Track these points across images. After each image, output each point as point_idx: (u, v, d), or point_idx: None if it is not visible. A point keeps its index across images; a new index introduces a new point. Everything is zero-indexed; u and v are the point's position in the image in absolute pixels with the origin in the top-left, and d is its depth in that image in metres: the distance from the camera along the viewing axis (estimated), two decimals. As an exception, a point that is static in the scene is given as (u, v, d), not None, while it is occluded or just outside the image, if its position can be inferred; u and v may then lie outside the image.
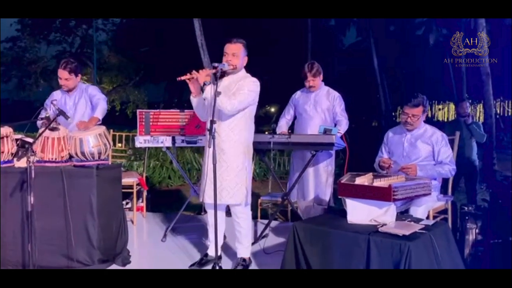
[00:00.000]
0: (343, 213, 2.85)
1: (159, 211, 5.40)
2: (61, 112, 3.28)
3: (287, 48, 17.66)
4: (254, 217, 3.64)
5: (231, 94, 3.20)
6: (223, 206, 3.45)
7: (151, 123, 4.14)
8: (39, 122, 3.61)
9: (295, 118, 4.42)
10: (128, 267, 3.51)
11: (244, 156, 3.28)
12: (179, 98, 23.61)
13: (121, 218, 3.68)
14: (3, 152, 3.35)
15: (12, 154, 3.41)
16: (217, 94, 3.07)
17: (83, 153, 3.44)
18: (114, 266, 3.47)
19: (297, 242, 2.79)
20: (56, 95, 4.20)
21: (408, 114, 3.43)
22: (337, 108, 4.19)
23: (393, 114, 18.96)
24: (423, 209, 3.16)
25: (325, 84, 4.31)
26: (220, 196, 3.23)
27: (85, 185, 3.33)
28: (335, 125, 4.15)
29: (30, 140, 3.50)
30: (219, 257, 3.41)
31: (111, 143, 3.95)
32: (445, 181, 3.73)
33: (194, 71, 3.16)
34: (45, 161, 3.39)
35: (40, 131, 3.42)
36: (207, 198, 3.28)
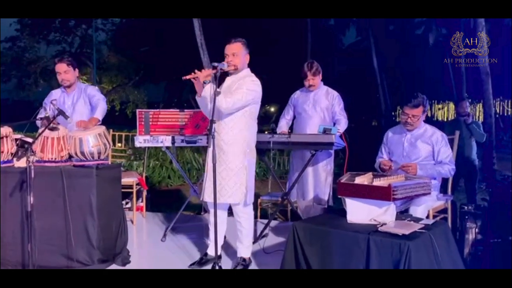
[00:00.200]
0: (343, 213, 2.85)
1: (159, 211, 5.40)
2: (61, 112, 3.28)
3: (287, 48, 17.65)
4: (254, 217, 3.64)
5: (229, 93, 3.20)
6: (224, 206, 3.45)
7: (150, 123, 4.14)
8: (38, 122, 3.61)
9: (294, 117, 4.43)
10: (128, 267, 3.52)
11: (244, 155, 3.28)
12: (179, 98, 23.59)
13: (121, 218, 3.68)
14: (2, 152, 3.35)
15: (11, 154, 3.41)
16: (216, 93, 3.07)
17: (82, 153, 3.44)
18: (114, 266, 3.47)
19: (296, 241, 2.79)
20: (55, 94, 4.20)
21: (408, 115, 3.43)
22: (336, 107, 4.20)
23: (393, 113, 18.95)
24: (422, 209, 3.16)
25: (325, 84, 4.32)
26: (220, 195, 3.24)
27: (85, 185, 3.33)
28: (334, 124, 4.15)
29: (29, 140, 3.50)
30: (219, 257, 3.41)
31: (111, 143, 3.95)
32: (444, 181, 3.73)
33: (196, 71, 3.17)
34: (45, 161, 3.39)
35: (40, 131, 3.42)
36: (207, 197, 3.29)
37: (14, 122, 3.49)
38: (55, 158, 3.42)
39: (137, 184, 4.80)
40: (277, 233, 4.41)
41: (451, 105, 17.58)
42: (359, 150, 4.72)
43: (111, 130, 5.34)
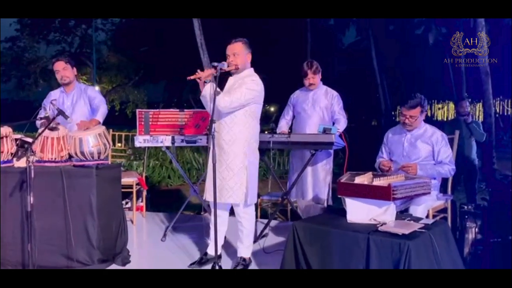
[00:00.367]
0: (343, 213, 2.85)
1: (158, 211, 5.40)
2: (61, 112, 3.28)
3: (287, 48, 17.66)
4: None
5: (229, 92, 3.21)
6: (226, 206, 3.46)
7: (150, 123, 4.14)
8: (38, 122, 3.61)
9: (294, 117, 4.43)
10: (127, 267, 3.51)
11: (245, 155, 3.28)
12: (179, 98, 23.61)
13: (120, 218, 3.68)
14: (2, 152, 3.35)
15: (11, 154, 3.41)
16: (216, 93, 3.08)
17: (82, 153, 3.44)
18: (113, 266, 3.47)
19: (296, 241, 2.79)
20: (54, 95, 4.19)
21: (405, 116, 3.43)
22: (336, 107, 4.21)
23: (393, 113, 18.97)
24: (422, 208, 3.16)
25: (325, 84, 4.34)
26: (220, 195, 3.24)
27: (85, 185, 3.33)
28: (333, 124, 4.16)
29: (29, 140, 3.50)
30: (219, 256, 3.42)
31: (111, 143, 3.95)
32: (444, 180, 3.73)
33: (199, 71, 3.18)
34: (45, 161, 3.39)
35: (40, 131, 3.42)
36: (209, 197, 3.29)
37: (14, 122, 3.49)
38: (55, 158, 3.42)
39: (137, 184, 4.80)
40: (277, 233, 4.41)
41: (451, 105, 17.60)
42: (359, 150, 4.73)
43: (111, 130, 5.34)
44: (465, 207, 3.53)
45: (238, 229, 3.45)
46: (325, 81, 4.33)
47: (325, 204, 4.18)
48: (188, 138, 4.14)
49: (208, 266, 3.38)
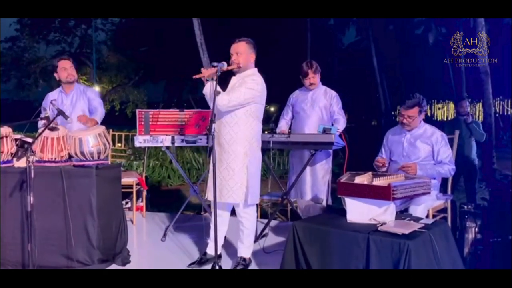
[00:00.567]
0: (343, 212, 2.85)
1: (158, 211, 5.41)
2: (61, 112, 3.28)
3: (286, 48, 17.67)
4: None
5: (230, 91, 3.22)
6: (227, 206, 3.46)
7: (150, 123, 4.14)
8: (40, 122, 3.61)
9: (293, 117, 4.44)
10: (127, 267, 3.52)
11: (245, 155, 3.28)
12: (179, 98, 23.63)
13: (120, 218, 3.68)
14: (2, 152, 3.35)
15: (11, 154, 3.41)
16: (216, 93, 3.08)
17: (82, 153, 3.45)
18: (113, 266, 3.47)
19: (296, 241, 2.79)
20: (52, 96, 4.19)
21: (404, 116, 3.44)
22: (335, 107, 4.21)
23: (393, 113, 18.99)
24: (422, 208, 3.17)
25: (325, 84, 4.34)
26: (220, 195, 3.25)
27: (85, 185, 3.33)
28: (332, 123, 4.17)
29: (29, 140, 3.50)
30: (219, 256, 3.42)
31: (111, 143, 3.95)
32: (444, 180, 3.73)
33: (202, 69, 3.20)
34: (45, 161, 3.39)
35: (40, 131, 3.42)
36: (211, 196, 3.29)
37: (14, 122, 3.49)
38: (55, 158, 3.42)
39: (137, 184, 4.80)
40: (277, 233, 4.41)
41: (451, 105, 17.62)
42: (359, 150, 4.73)
43: (111, 130, 5.34)
44: (465, 207, 3.52)
45: (239, 229, 3.45)
46: (325, 81, 4.33)
47: (324, 204, 4.18)
48: (188, 138, 4.14)
49: (208, 266, 3.38)
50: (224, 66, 3.20)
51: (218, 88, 3.19)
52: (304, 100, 4.29)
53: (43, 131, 3.30)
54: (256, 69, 3.36)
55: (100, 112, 4.09)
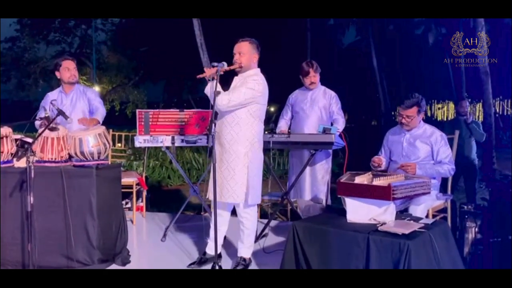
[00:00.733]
0: (343, 212, 2.85)
1: (158, 211, 5.41)
2: (61, 112, 3.28)
3: (286, 48, 17.66)
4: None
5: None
6: (228, 206, 3.46)
7: (150, 123, 4.14)
8: (37, 122, 3.61)
9: (292, 117, 4.44)
10: (127, 267, 3.52)
11: (246, 155, 3.27)
12: (179, 98, 23.62)
13: (120, 218, 3.68)
14: (2, 152, 3.35)
15: (11, 154, 3.41)
16: (216, 93, 3.08)
17: (82, 153, 3.45)
18: (113, 266, 3.47)
19: (296, 241, 2.79)
20: (52, 95, 4.19)
21: (402, 115, 3.44)
22: (334, 107, 4.22)
23: (393, 113, 18.98)
24: (422, 208, 3.16)
25: (325, 84, 4.35)
26: (221, 194, 3.25)
27: (85, 185, 3.33)
28: (332, 124, 4.17)
29: (29, 140, 3.50)
30: (219, 256, 3.41)
31: (111, 143, 3.95)
32: (444, 180, 3.73)
33: (205, 69, 3.20)
34: (45, 161, 3.40)
35: (40, 131, 3.42)
36: (212, 196, 3.29)
37: (14, 122, 3.49)
38: (55, 158, 3.42)
39: (137, 184, 4.80)
40: (277, 233, 4.41)
41: (451, 105, 17.63)
42: (359, 150, 4.73)
43: (111, 130, 5.34)
44: (465, 207, 3.52)
45: (239, 229, 3.45)
46: (325, 81, 4.34)
47: (324, 204, 4.18)
48: (188, 138, 4.14)
49: (208, 266, 3.38)
50: (224, 66, 3.20)
51: (219, 88, 3.19)
52: (303, 100, 4.29)
53: (43, 131, 3.30)
54: (258, 70, 3.36)
55: (101, 111, 4.10)
